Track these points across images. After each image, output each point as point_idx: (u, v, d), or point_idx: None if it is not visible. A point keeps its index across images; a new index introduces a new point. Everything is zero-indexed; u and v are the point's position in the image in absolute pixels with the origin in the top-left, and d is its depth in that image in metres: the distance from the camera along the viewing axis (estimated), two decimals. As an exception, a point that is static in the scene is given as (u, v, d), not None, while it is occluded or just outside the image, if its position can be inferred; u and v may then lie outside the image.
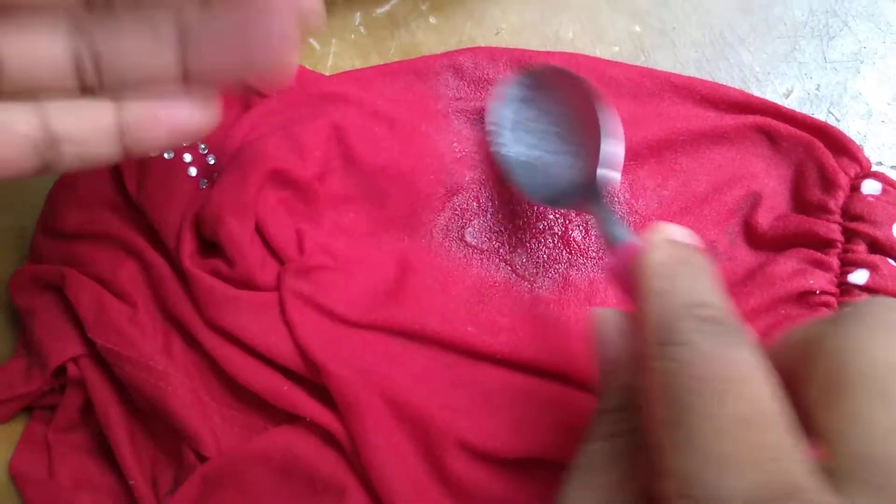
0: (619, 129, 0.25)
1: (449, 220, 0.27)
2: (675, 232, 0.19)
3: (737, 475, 0.14)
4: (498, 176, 0.28)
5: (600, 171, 0.24)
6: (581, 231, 0.27)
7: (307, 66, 0.30)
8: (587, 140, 0.25)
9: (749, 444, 0.14)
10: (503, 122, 0.27)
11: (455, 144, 0.28)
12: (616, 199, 0.28)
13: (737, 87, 0.29)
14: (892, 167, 0.29)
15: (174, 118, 0.20)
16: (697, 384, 0.15)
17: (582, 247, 0.27)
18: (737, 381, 0.15)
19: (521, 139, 0.27)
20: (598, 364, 0.20)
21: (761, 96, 0.28)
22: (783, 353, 0.18)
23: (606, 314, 0.20)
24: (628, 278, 0.20)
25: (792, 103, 0.30)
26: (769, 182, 0.27)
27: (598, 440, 0.18)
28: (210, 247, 0.26)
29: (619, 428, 0.18)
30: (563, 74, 0.26)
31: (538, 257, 0.27)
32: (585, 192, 0.24)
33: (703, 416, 0.15)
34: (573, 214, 0.27)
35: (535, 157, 0.27)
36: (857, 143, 0.27)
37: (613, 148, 0.24)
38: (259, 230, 0.26)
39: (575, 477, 0.18)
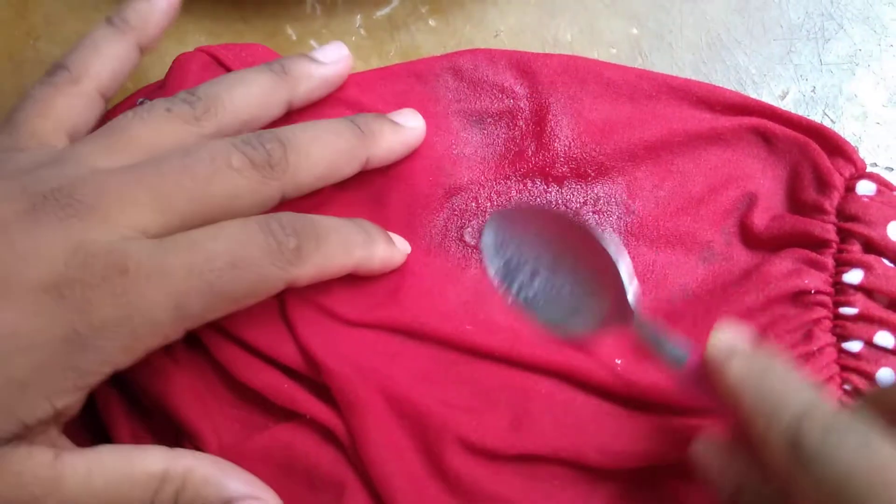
0: (617, 242, 0.26)
1: (447, 220, 0.28)
2: (731, 339, 0.21)
3: None
4: (496, 176, 0.28)
5: (630, 294, 0.23)
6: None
7: (308, 68, 0.31)
8: (584, 265, 0.24)
9: None
10: (496, 269, 0.26)
11: (454, 145, 0.28)
12: (612, 200, 0.28)
13: (733, 89, 0.29)
14: (887, 168, 0.29)
15: None
16: (856, 489, 0.16)
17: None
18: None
19: (518, 282, 0.25)
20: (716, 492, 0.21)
21: (757, 98, 0.29)
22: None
23: (705, 447, 0.22)
24: (705, 394, 0.21)
25: (787, 105, 0.30)
26: (765, 183, 0.28)
27: None
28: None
29: None
30: (528, 210, 0.27)
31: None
32: (615, 317, 0.23)
33: None
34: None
35: (537, 295, 0.25)
36: (852, 144, 0.27)
37: (627, 265, 0.23)
38: None
39: None
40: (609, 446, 0.24)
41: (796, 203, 0.27)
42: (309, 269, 0.23)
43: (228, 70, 0.29)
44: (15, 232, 0.21)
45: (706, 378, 0.21)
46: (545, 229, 0.25)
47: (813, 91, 0.30)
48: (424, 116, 0.28)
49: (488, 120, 0.28)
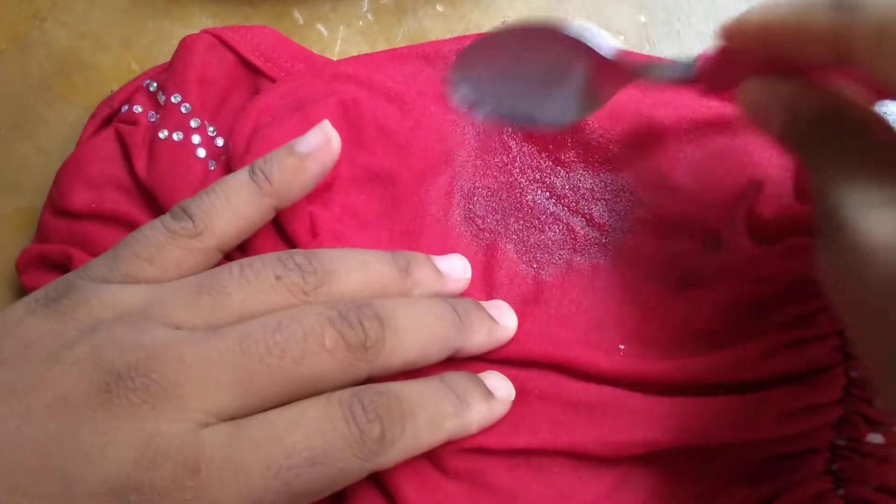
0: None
1: (455, 204, 0.28)
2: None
3: None
4: (504, 160, 0.28)
5: (612, 50, 0.24)
6: (585, 219, 0.27)
7: (315, 52, 0.30)
8: (551, 61, 0.25)
9: None
10: (461, 99, 0.27)
11: (463, 129, 0.28)
12: (619, 187, 0.28)
13: (741, 78, 0.29)
14: (894, 158, 0.29)
15: None
16: None
17: (587, 233, 0.27)
18: None
19: (488, 102, 0.27)
20: (778, 117, 0.21)
21: (765, 87, 0.29)
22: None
23: (752, 88, 0.21)
24: (727, 77, 0.22)
25: (795, 94, 0.30)
26: (772, 171, 0.28)
27: (830, 141, 0.19)
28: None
29: (841, 127, 0.19)
30: (487, 43, 0.26)
31: (542, 242, 0.27)
32: (610, 77, 0.24)
33: None
34: (579, 203, 0.28)
35: (513, 105, 0.26)
36: (860, 133, 0.27)
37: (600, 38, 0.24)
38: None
39: (830, 172, 0.19)
40: (609, 437, 0.24)
41: (804, 192, 0.27)
42: (394, 456, 0.21)
43: (234, 52, 0.29)
44: (83, 423, 0.19)
45: (723, 60, 0.22)
46: (506, 52, 0.25)
47: (820, 80, 0.30)
48: (432, 98, 0.28)
49: (496, 103, 0.28)
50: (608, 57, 0.24)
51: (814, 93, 0.20)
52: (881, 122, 0.19)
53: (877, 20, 0.18)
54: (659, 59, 0.23)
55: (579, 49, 0.24)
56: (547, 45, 0.24)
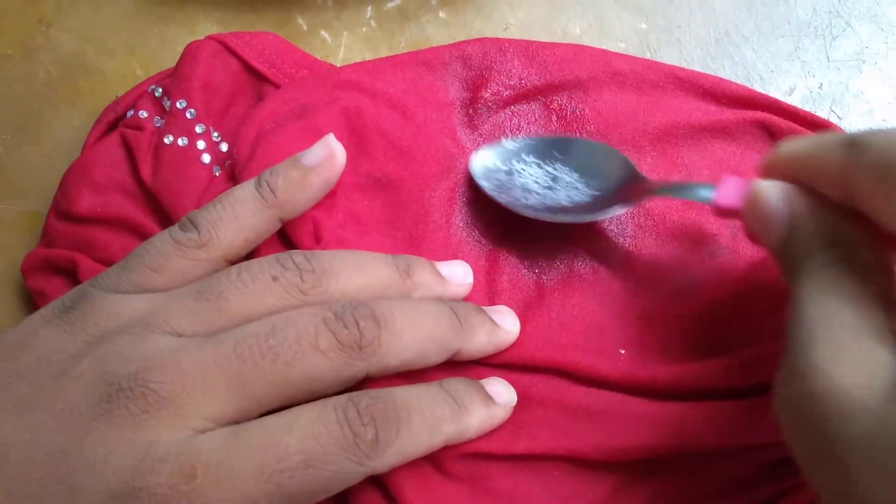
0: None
1: (457, 210, 0.28)
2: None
3: None
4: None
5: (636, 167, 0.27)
6: (586, 224, 0.28)
7: (319, 59, 0.31)
8: (582, 166, 0.27)
9: None
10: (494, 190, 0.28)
11: (463, 134, 0.28)
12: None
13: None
14: (893, 165, 0.29)
15: None
16: None
17: (587, 237, 0.27)
18: None
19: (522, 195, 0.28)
20: (778, 226, 0.21)
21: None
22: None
23: (766, 187, 0.21)
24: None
25: (794, 101, 0.30)
26: (770, 177, 0.28)
27: (818, 271, 0.19)
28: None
29: (835, 258, 0.19)
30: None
31: (544, 247, 0.27)
32: (634, 191, 0.26)
33: None
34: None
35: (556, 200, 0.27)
36: (859, 140, 0.27)
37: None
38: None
39: (809, 303, 0.18)
40: (609, 443, 0.24)
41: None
42: (389, 459, 0.21)
43: (239, 58, 0.29)
44: (88, 434, 0.20)
45: (742, 187, 0.23)
46: (532, 152, 0.28)
47: (820, 87, 0.30)
48: (435, 104, 0.28)
49: (495, 108, 0.29)
50: (642, 176, 0.26)
51: (827, 216, 0.20)
52: (883, 267, 0.19)
53: (881, 161, 0.18)
54: (681, 181, 0.25)
55: (623, 166, 0.27)
56: (591, 155, 0.27)
